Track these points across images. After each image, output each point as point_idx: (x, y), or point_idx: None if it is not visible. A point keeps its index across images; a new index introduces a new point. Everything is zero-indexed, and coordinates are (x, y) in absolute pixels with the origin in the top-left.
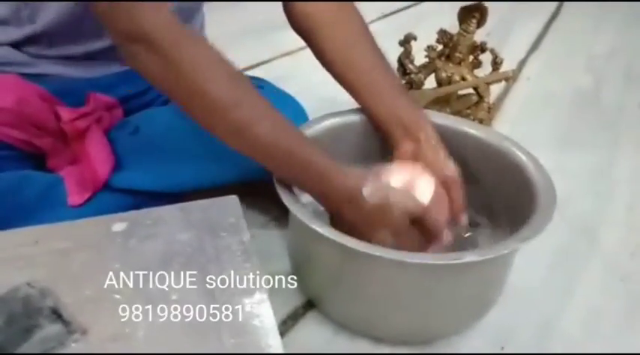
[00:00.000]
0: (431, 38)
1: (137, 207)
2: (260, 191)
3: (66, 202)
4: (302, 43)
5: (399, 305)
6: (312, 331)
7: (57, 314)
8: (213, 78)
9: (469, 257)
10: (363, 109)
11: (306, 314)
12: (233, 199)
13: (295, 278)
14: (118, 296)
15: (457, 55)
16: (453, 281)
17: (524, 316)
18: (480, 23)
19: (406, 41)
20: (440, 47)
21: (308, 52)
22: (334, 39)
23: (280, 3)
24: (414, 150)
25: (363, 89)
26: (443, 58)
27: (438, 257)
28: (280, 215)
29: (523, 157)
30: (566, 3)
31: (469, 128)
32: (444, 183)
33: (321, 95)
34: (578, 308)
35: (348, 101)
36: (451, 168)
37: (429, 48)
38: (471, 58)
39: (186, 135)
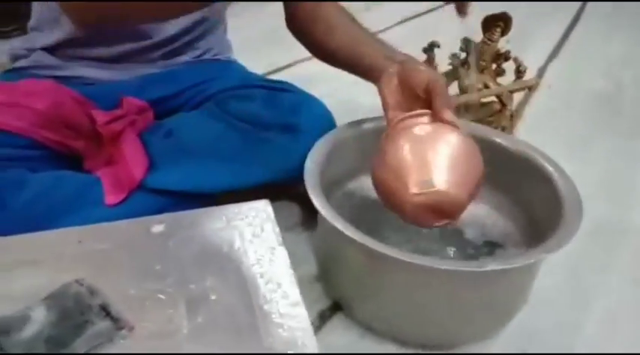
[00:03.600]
0: (448, 43)
1: (169, 207)
2: (285, 194)
3: (101, 202)
4: (295, 58)
5: (425, 309)
6: (339, 333)
7: (106, 311)
8: None
9: (496, 265)
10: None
11: (333, 317)
12: (265, 203)
13: (322, 280)
14: (161, 296)
15: (480, 63)
16: (480, 288)
17: (546, 322)
18: (504, 32)
19: (430, 49)
20: (463, 55)
21: (304, 64)
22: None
23: None
24: (398, 70)
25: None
26: (466, 66)
27: (466, 264)
28: (305, 218)
29: (550, 167)
30: (585, 9)
31: (495, 137)
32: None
33: (343, 99)
34: (597, 313)
35: (370, 105)
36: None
37: (453, 56)
38: (494, 66)
39: (218, 138)
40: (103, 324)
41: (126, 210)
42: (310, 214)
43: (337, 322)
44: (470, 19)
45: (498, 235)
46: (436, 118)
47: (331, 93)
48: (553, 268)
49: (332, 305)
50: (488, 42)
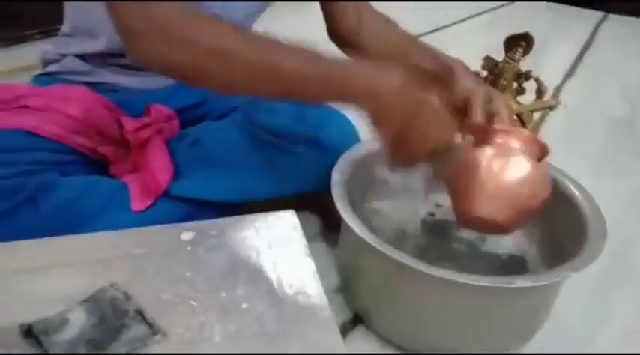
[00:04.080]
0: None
1: (193, 214)
2: (305, 205)
3: (128, 208)
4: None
5: (449, 323)
6: (360, 346)
7: (141, 316)
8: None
9: (525, 282)
10: None
11: (354, 329)
12: (291, 214)
13: (343, 292)
14: (193, 303)
15: (502, 81)
16: (506, 304)
17: (565, 340)
18: (526, 52)
19: None
20: (485, 73)
21: None
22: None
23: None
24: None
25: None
26: (487, 84)
27: (491, 280)
28: (325, 229)
29: (573, 188)
30: (601, 29)
31: None
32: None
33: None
34: (616, 332)
35: None
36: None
37: (474, 74)
38: (515, 85)
39: (243, 149)
40: (139, 329)
41: (152, 216)
42: (329, 226)
43: (358, 334)
44: (488, 37)
45: (517, 251)
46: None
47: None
48: (574, 287)
49: (353, 317)
50: (510, 61)
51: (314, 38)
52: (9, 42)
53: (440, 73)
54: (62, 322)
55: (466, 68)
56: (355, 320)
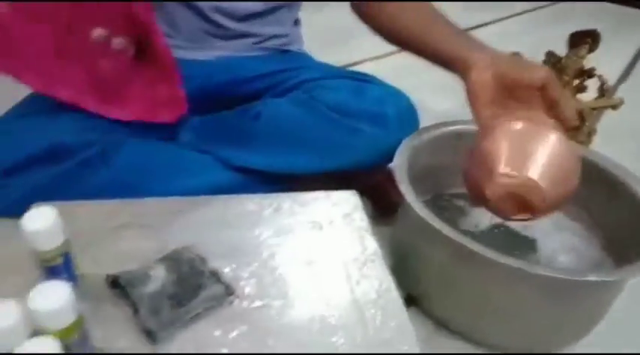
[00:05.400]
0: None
1: (250, 186)
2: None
3: (190, 174)
4: (386, 49)
5: (507, 312)
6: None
7: (216, 277)
8: None
9: (596, 276)
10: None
11: (407, 311)
12: (353, 193)
13: (396, 273)
14: (260, 270)
15: (563, 78)
16: (570, 298)
17: (617, 340)
18: (592, 49)
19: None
20: None
21: (393, 58)
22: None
23: None
24: (495, 64)
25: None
26: None
27: (559, 271)
28: (374, 213)
29: (636, 184)
30: None
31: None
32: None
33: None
34: None
35: (434, 106)
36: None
37: None
38: (576, 81)
39: (304, 123)
40: (216, 288)
41: (210, 184)
42: (380, 209)
43: (410, 316)
44: (549, 32)
45: (575, 249)
46: (558, 118)
47: None
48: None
49: (405, 298)
50: (574, 57)
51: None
52: None
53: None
54: (145, 276)
55: (513, 56)
56: (408, 302)
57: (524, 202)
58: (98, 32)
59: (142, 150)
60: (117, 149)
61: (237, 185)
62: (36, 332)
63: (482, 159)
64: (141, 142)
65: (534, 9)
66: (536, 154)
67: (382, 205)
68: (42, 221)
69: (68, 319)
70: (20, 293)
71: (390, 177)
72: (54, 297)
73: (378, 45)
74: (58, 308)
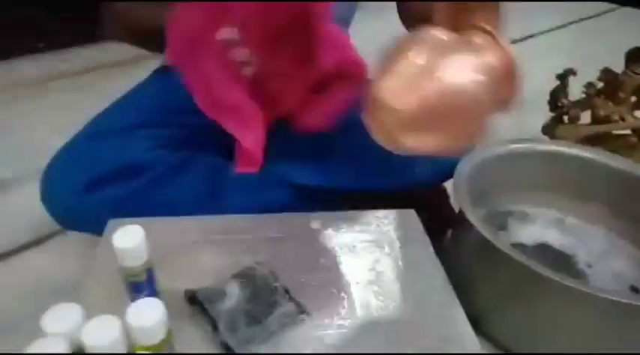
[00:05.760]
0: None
1: (306, 201)
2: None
3: (248, 191)
4: None
5: (569, 336)
6: None
7: (288, 295)
8: None
9: None
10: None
11: None
12: (411, 212)
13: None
14: (334, 290)
15: (620, 94)
16: (632, 323)
17: None
18: None
19: (565, 75)
20: (600, 85)
21: None
22: None
23: None
24: None
25: None
26: (602, 96)
27: (629, 296)
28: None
29: None
30: None
31: (634, 169)
32: None
33: None
34: None
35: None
36: None
37: (589, 84)
38: (634, 99)
39: (361, 140)
40: (289, 306)
41: (270, 201)
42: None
43: None
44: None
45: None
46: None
47: None
48: None
49: None
50: (632, 74)
51: None
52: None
53: None
54: (221, 292)
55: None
56: None
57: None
58: None
59: (206, 167)
60: (184, 167)
61: (295, 202)
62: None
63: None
64: (205, 159)
65: (582, 20)
66: (412, 71)
67: (432, 223)
68: (131, 239)
69: (161, 334)
70: (108, 306)
71: (441, 195)
72: (149, 315)
73: None
74: (154, 324)
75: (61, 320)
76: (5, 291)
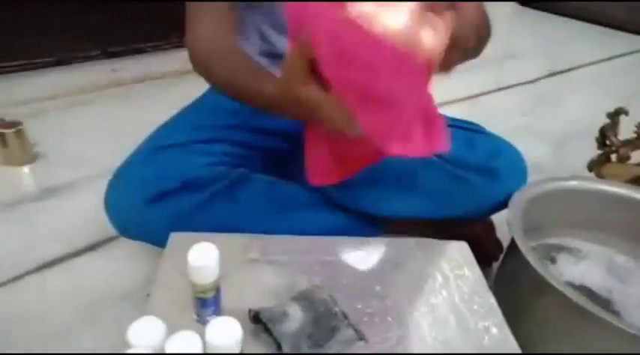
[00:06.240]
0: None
1: (353, 225)
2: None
3: (301, 211)
4: (475, 90)
5: None
6: None
7: (347, 320)
8: None
9: None
10: None
11: None
12: (463, 244)
13: None
14: (389, 318)
15: None
16: None
17: None
18: None
19: (616, 114)
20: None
21: (483, 99)
22: None
23: None
24: None
25: None
26: None
27: None
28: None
29: None
30: None
31: None
32: None
33: None
34: None
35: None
36: None
37: None
38: None
39: (417, 172)
40: (348, 331)
41: (319, 223)
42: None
43: None
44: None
45: None
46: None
47: None
48: None
49: None
50: None
51: None
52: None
53: None
54: (282, 314)
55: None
56: None
57: None
58: None
59: (262, 186)
60: (242, 184)
61: (343, 225)
62: None
63: None
64: (262, 178)
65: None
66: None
67: (478, 255)
68: (205, 257)
69: (235, 351)
70: (175, 319)
71: (488, 228)
72: (227, 332)
73: (472, 87)
74: (232, 343)
75: (146, 333)
76: (60, 296)
